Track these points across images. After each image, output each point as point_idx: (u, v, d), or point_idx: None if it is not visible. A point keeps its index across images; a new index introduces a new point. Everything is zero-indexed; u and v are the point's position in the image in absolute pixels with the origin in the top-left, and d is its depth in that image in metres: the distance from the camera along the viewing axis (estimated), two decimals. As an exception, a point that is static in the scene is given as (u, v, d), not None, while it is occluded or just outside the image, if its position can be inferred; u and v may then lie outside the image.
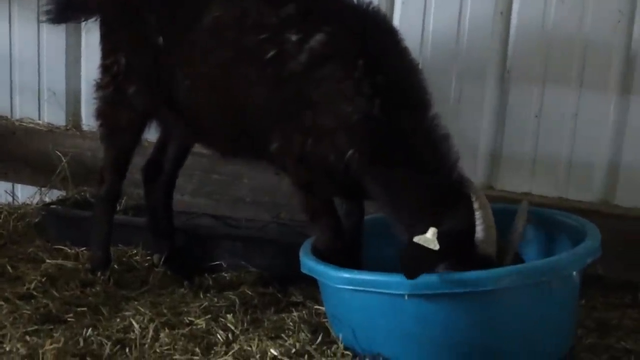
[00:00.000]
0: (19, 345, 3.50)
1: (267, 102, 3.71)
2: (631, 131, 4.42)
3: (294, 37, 3.64)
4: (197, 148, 4.47)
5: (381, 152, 3.52)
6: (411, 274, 3.16)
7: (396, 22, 4.52)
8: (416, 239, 3.22)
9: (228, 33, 3.85)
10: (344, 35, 3.60)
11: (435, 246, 3.19)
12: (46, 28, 5.11)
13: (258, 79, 3.73)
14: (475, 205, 3.25)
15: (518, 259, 3.49)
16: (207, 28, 3.91)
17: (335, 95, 3.55)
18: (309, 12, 3.70)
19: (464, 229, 3.30)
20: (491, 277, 3.23)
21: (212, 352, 3.56)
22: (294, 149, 3.67)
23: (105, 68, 4.22)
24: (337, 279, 3.46)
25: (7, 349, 3.50)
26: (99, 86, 4.25)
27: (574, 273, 3.41)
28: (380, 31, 3.70)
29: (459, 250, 3.30)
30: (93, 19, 4.36)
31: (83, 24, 4.61)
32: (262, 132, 3.76)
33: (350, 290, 3.42)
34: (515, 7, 4.45)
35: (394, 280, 3.29)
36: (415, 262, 3.24)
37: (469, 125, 4.57)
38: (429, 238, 3.21)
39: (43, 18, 4.44)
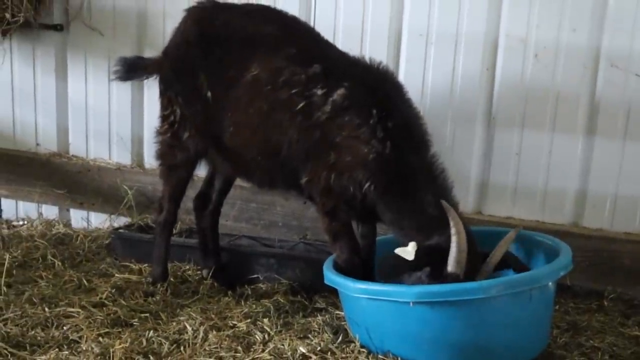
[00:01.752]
0: (93, 345, 3.50)
1: (298, 144, 3.69)
2: (596, 165, 4.38)
3: (319, 92, 3.63)
4: (238, 181, 4.45)
5: (392, 184, 3.51)
6: (384, 277, 3.28)
7: (401, 77, 4.48)
8: (397, 250, 3.26)
9: (265, 88, 3.80)
10: (360, 89, 3.59)
11: (411, 257, 3.23)
12: (115, 85, 5.06)
13: (290, 126, 3.70)
14: (452, 231, 3.23)
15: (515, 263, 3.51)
16: (248, 84, 3.85)
17: (354, 138, 3.54)
18: (331, 71, 3.68)
19: (440, 249, 3.29)
20: (482, 287, 3.21)
21: (252, 350, 3.53)
22: (320, 182, 3.65)
23: (163, 118, 4.19)
24: (354, 289, 3.44)
25: (84, 348, 3.49)
26: (159, 132, 4.22)
27: (550, 283, 3.39)
28: (389, 85, 3.69)
29: (431, 265, 3.29)
30: (153, 78, 4.29)
31: (145, 81, 4.55)
32: (294, 168, 3.74)
33: (365, 298, 3.39)
34: (499, 64, 4.42)
35: (401, 290, 3.27)
36: (389, 268, 3.35)
37: (461, 161, 4.53)
38: (408, 250, 3.26)
39: (113, 77, 4.37)
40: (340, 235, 3.74)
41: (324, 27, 4.33)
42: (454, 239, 3.22)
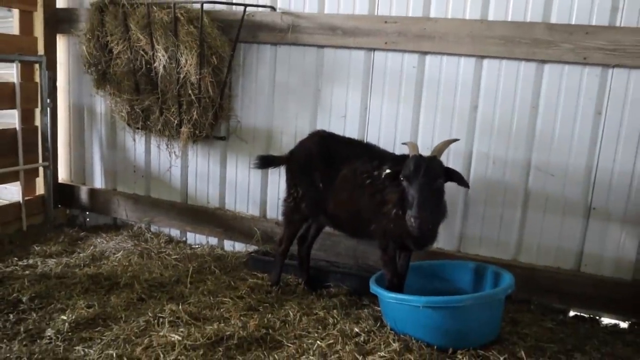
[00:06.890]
0: (238, 321, 3.53)
1: (369, 205, 3.52)
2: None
3: (376, 172, 3.52)
4: (326, 229, 4.22)
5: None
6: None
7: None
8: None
9: (350, 179, 3.68)
10: (394, 168, 3.34)
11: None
12: (253, 171, 4.88)
13: (363, 195, 3.55)
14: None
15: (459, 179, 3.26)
16: (341, 177, 3.72)
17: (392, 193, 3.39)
18: (382, 161, 3.55)
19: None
20: (464, 299, 3.21)
21: (327, 329, 3.50)
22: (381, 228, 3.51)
23: (289, 194, 3.99)
24: (388, 296, 3.42)
25: (232, 322, 3.52)
26: (285, 201, 4.02)
27: (502, 297, 3.36)
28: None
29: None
30: (280, 167, 4.19)
31: (270, 170, 4.50)
32: (366, 221, 3.58)
33: (393, 302, 3.39)
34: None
35: (415, 298, 3.28)
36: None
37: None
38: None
39: (253, 166, 4.18)
40: (388, 263, 3.55)
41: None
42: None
